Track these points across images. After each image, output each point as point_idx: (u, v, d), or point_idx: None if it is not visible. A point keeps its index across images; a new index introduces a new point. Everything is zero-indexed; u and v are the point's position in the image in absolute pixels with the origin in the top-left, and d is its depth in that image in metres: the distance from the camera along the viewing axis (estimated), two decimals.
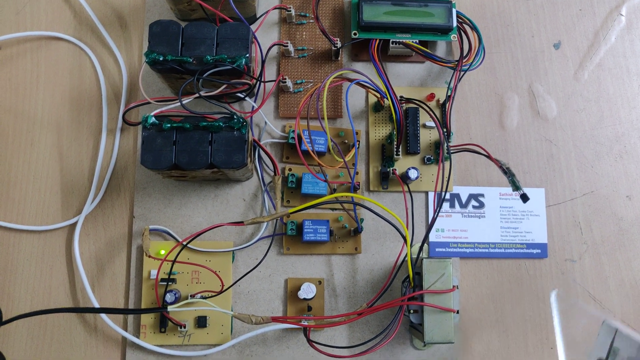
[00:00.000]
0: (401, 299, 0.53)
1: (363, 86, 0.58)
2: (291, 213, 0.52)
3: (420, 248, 0.56)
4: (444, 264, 0.53)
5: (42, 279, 0.58)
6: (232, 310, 0.57)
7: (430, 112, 0.58)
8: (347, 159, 0.57)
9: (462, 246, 0.61)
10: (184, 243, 0.54)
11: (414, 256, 0.56)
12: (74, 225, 0.59)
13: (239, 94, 0.57)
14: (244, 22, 0.54)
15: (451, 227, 0.61)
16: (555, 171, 0.63)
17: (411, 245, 0.57)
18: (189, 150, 0.51)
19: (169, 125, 0.51)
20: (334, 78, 0.55)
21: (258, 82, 0.58)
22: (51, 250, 0.59)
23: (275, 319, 0.52)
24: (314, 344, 0.53)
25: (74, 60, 0.62)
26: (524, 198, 0.52)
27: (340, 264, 0.60)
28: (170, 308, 0.52)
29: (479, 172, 0.62)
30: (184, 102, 0.52)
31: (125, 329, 0.57)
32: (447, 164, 0.60)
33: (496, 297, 0.60)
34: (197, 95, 0.53)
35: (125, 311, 0.57)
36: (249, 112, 0.59)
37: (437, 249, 0.61)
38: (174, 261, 0.53)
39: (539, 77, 0.65)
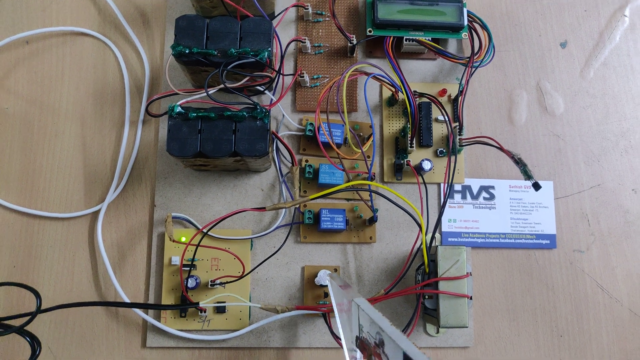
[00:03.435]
0: (417, 286, 0.55)
1: (379, 80, 0.60)
2: (312, 199, 0.54)
3: (433, 235, 0.57)
4: (458, 251, 0.55)
5: (66, 265, 0.60)
6: (250, 297, 0.59)
7: (442, 108, 0.60)
8: (364, 149, 0.59)
9: (474, 236, 0.63)
10: (206, 229, 0.55)
11: (428, 245, 0.58)
12: (97, 213, 0.61)
13: (259, 87, 0.59)
14: (265, 18, 0.56)
15: (463, 217, 0.63)
16: (563, 165, 0.65)
17: (426, 233, 0.59)
18: (213, 138, 0.53)
19: (194, 114, 0.53)
20: (352, 71, 0.57)
21: (278, 76, 0.60)
22: (74, 237, 0.60)
23: (299, 307, 0.54)
24: (335, 335, 0.55)
25: (98, 54, 0.65)
26: (536, 186, 0.54)
27: (355, 253, 0.61)
28: (202, 304, 0.54)
29: (489, 164, 0.64)
30: (209, 93, 0.54)
31: (147, 313, 0.58)
32: (459, 156, 0.62)
33: (507, 285, 0.62)
34: (222, 86, 0.55)
35: (157, 306, 0.58)
36: (268, 104, 0.61)
37: (449, 239, 0.63)
38: (197, 245, 0.55)
39: (546, 75, 0.68)
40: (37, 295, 0.49)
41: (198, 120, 0.54)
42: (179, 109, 0.53)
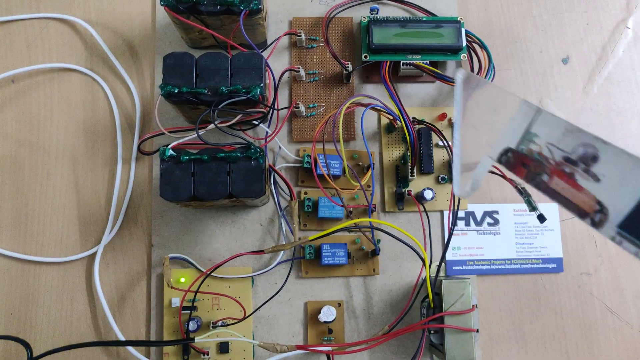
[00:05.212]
0: (422, 322, 0.53)
1: (377, 110, 0.59)
2: (312, 240, 0.52)
3: (438, 269, 0.56)
4: (462, 285, 0.54)
5: (63, 310, 0.59)
6: (253, 336, 0.58)
7: (441, 135, 0.59)
8: (363, 182, 0.57)
9: (479, 263, 0.61)
10: (207, 274, 0.54)
11: (432, 275, 0.57)
12: (93, 255, 0.59)
13: (253, 122, 0.58)
14: (257, 52, 0.55)
15: (467, 244, 0.62)
16: None
17: (429, 265, 0.58)
18: (207, 181, 0.52)
19: (186, 157, 0.51)
20: (349, 104, 0.55)
21: (271, 110, 0.58)
22: (71, 281, 0.59)
23: (299, 347, 0.53)
24: None
25: (86, 91, 0.63)
26: (541, 219, 0.52)
27: (358, 286, 0.60)
28: (197, 339, 0.52)
29: (492, 189, 0.63)
30: (200, 134, 0.52)
31: (148, 357, 0.57)
32: None
33: (514, 313, 0.61)
34: (212, 126, 0.53)
35: (151, 343, 0.57)
36: (264, 138, 0.60)
37: (454, 267, 0.61)
38: (196, 292, 0.54)
39: (548, 92, 0.66)
40: (28, 346, 0.49)
41: (191, 163, 0.52)
42: (170, 152, 0.52)
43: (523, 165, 0.31)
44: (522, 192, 0.53)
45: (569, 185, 0.28)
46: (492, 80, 0.62)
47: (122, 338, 0.57)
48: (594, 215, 0.27)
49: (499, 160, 0.32)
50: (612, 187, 0.26)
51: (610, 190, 0.26)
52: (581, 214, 0.27)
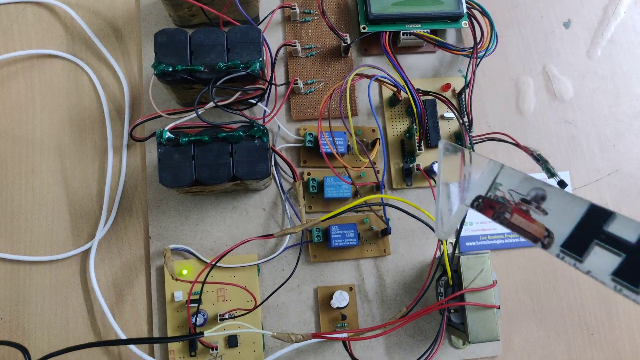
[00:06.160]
0: (442, 301, 0.51)
1: (380, 81, 0.56)
2: (323, 220, 0.49)
3: (455, 244, 0.54)
4: (481, 260, 0.52)
5: (58, 311, 0.55)
6: (262, 327, 0.55)
7: (451, 105, 0.56)
8: (371, 156, 0.54)
9: (492, 238, 0.59)
10: (213, 263, 0.51)
11: (448, 252, 0.54)
12: (88, 251, 0.56)
13: (251, 100, 0.55)
14: (252, 25, 0.51)
15: (479, 219, 0.59)
16: (578, 153, 0.62)
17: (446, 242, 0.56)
18: (209, 164, 0.48)
19: (186, 139, 0.48)
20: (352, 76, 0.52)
21: (270, 87, 0.55)
22: (65, 280, 0.55)
23: (315, 336, 0.50)
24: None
25: (70, 77, 0.59)
26: (562, 184, 0.50)
27: (369, 268, 0.57)
28: (207, 334, 0.49)
29: (501, 160, 0.60)
30: (199, 113, 0.49)
31: (152, 356, 0.54)
32: None
33: (531, 286, 0.59)
34: (212, 104, 0.50)
35: (158, 340, 0.54)
36: (262, 118, 0.56)
37: (467, 243, 0.59)
38: (204, 282, 0.50)
39: (551, 58, 0.64)
40: (25, 352, 0.46)
41: (190, 145, 0.49)
42: (168, 135, 0.48)
43: (490, 207, 0.39)
44: (539, 159, 0.51)
45: (525, 219, 0.36)
46: (495, 47, 0.60)
47: (122, 336, 0.54)
48: (544, 239, 0.34)
49: (472, 205, 0.40)
50: (556, 218, 0.34)
51: (555, 221, 0.34)
52: (534, 239, 0.35)
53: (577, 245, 0.32)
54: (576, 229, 0.33)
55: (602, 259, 0.31)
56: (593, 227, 0.32)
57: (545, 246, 0.34)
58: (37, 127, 0.58)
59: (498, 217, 0.38)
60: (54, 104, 0.58)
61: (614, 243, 0.31)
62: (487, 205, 0.40)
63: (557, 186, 0.36)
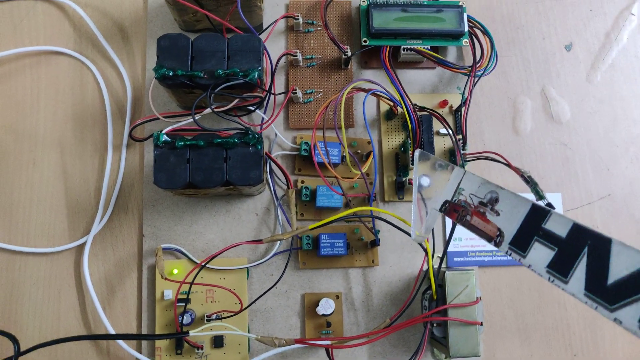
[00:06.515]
0: (425, 315, 0.52)
1: (377, 96, 0.57)
2: (311, 229, 0.50)
3: (441, 260, 0.54)
4: (466, 276, 0.52)
5: (51, 303, 0.56)
6: (249, 329, 0.56)
7: (445, 122, 0.57)
8: (363, 169, 0.55)
9: (481, 254, 0.60)
10: (202, 265, 0.52)
11: (434, 266, 0.55)
12: (82, 246, 0.57)
13: (249, 107, 0.56)
14: (254, 34, 0.52)
15: (469, 235, 0.60)
16: (571, 175, 0.62)
17: (432, 256, 0.56)
18: (203, 168, 0.50)
19: (182, 143, 0.49)
20: (349, 89, 0.53)
21: (268, 95, 0.56)
22: (59, 272, 0.57)
23: (298, 341, 0.51)
24: None
25: (75, 75, 0.60)
26: (549, 207, 0.51)
27: (357, 277, 0.58)
28: (192, 333, 0.50)
29: (494, 178, 0.61)
30: (196, 118, 0.50)
31: (140, 351, 0.55)
32: None
33: (516, 304, 0.59)
34: (209, 110, 0.51)
35: (144, 337, 0.55)
36: (259, 125, 0.57)
37: (455, 259, 0.60)
38: (191, 283, 0.52)
39: (551, 80, 0.64)
40: (15, 341, 0.47)
41: (186, 149, 0.50)
42: (164, 138, 0.50)
43: (455, 211, 0.42)
44: (529, 181, 0.52)
45: (482, 220, 0.39)
46: (494, 67, 0.60)
47: (112, 332, 0.55)
48: (496, 238, 0.38)
49: (440, 210, 0.44)
50: (506, 218, 0.38)
51: (505, 220, 0.38)
52: (489, 239, 0.39)
53: (521, 242, 0.36)
54: (521, 227, 0.37)
55: (540, 254, 0.35)
56: (534, 224, 0.36)
57: (497, 244, 0.38)
58: (40, 121, 0.59)
59: (461, 220, 0.42)
60: (58, 100, 0.60)
61: (550, 238, 0.34)
62: (452, 209, 0.43)
63: (508, 190, 0.39)
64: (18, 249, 0.57)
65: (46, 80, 0.60)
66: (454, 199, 0.43)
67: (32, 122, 0.59)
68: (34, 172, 0.58)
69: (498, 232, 0.38)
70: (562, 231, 0.34)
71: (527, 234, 0.36)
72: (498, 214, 0.38)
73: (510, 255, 0.36)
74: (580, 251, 0.33)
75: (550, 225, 0.35)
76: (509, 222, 0.37)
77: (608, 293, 0.31)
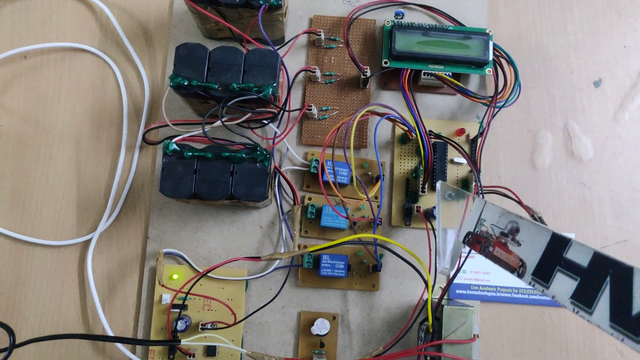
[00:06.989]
0: (419, 347, 0.51)
1: (392, 120, 0.56)
2: (312, 251, 0.50)
3: (442, 294, 0.53)
4: (465, 313, 0.51)
5: (53, 294, 0.57)
6: (242, 342, 0.56)
7: (462, 151, 0.56)
8: (370, 194, 0.55)
9: (484, 289, 0.59)
10: (201, 275, 0.52)
11: (435, 298, 0.54)
12: (88, 242, 0.58)
13: (262, 121, 0.55)
14: (273, 49, 0.52)
15: (473, 268, 0.59)
16: (587, 216, 0.60)
17: (432, 288, 0.55)
18: (209, 180, 0.50)
19: (190, 153, 0.49)
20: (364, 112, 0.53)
21: (282, 111, 0.56)
22: (63, 266, 0.58)
23: None
24: None
25: (97, 73, 0.61)
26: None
27: (356, 300, 0.58)
28: (183, 342, 0.51)
29: None
30: (206, 130, 0.50)
31: (134, 352, 0.56)
32: None
33: (517, 344, 0.58)
34: (220, 123, 0.51)
35: (137, 342, 0.55)
36: (272, 138, 0.57)
37: (457, 291, 0.59)
38: (187, 293, 0.52)
39: (575, 116, 0.62)
40: (11, 332, 0.47)
41: (194, 160, 0.50)
42: (174, 147, 0.50)
43: (477, 242, 0.43)
44: (539, 222, 0.50)
45: (504, 251, 0.39)
46: (517, 98, 0.59)
47: (109, 330, 0.56)
48: (519, 269, 0.38)
49: (464, 242, 0.44)
50: (527, 248, 0.37)
51: (526, 251, 0.37)
52: (512, 270, 0.38)
53: (543, 272, 0.35)
54: (542, 257, 0.36)
55: (563, 284, 0.34)
56: (555, 254, 0.35)
57: (520, 275, 0.37)
58: (59, 116, 0.60)
59: (484, 251, 0.41)
60: (79, 96, 0.61)
61: (572, 268, 0.34)
62: (475, 240, 0.43)
63: (528, 219, 0.38)
64: (27, 239, 0.58)
65: (69, 76, 0.61)
66: (477, 230, 0.43)
67: (51, 116, 0.60)
68: (49, 165, 0.59)
69: (520, 263, 0.38)
70: (583, 260, 0.33)
71: (549, 264, 0.35)
72: (519, 244, 0.38)
73: (533, 286, 0.36)
74: (602, 280, 0.32)
75: (572, 254, 0.34)
76: (531, 252, 0.37)
77: (633, 323, 0.30)
